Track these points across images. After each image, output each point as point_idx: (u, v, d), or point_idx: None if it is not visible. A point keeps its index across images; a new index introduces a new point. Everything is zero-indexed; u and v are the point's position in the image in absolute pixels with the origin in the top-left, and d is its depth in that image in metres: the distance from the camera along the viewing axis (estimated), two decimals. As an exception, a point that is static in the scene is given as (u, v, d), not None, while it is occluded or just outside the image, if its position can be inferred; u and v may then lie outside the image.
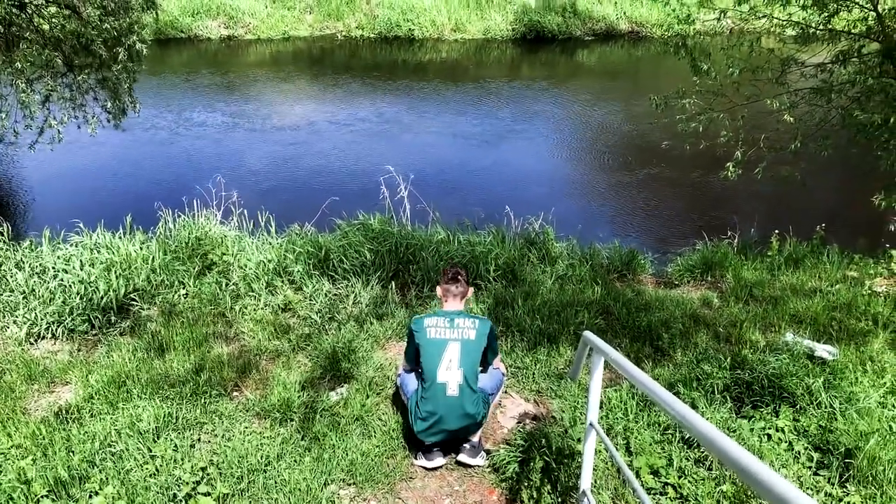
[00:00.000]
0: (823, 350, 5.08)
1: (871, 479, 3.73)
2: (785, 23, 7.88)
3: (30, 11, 8.83)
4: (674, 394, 2.51)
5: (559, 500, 3.73)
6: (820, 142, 7.47)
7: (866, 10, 7.29)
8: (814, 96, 7.37)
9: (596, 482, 3.79)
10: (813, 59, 7.64)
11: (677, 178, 11.86)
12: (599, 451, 3.93)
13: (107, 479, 3.87)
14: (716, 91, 7.64)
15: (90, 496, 3.72)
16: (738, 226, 8.30)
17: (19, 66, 7.94)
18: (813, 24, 7.60)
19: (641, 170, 12.37)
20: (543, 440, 4.11)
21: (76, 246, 6.78)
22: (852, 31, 7.47)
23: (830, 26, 7.54)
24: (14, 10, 8.52)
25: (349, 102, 16.94)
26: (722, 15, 7.82)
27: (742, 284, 6.64)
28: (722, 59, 7.66)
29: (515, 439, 4.30)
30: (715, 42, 8.52)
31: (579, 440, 4.00)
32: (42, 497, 3.71)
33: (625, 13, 23.01)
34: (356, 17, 23.33)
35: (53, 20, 8.87)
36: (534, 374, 5.10)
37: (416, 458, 4.21)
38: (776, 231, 7.74)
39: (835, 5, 7.50)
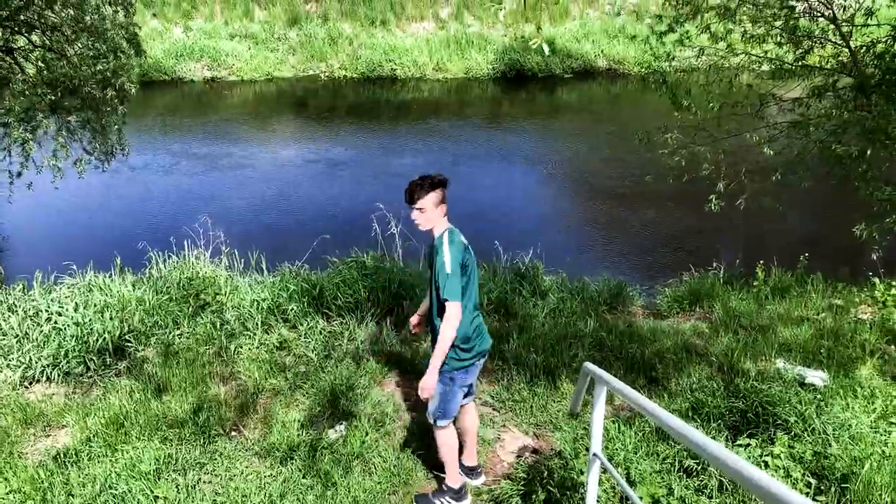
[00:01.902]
0: (814, 377, 5.19)
1: (867, 503, 3.80)
2: (762, 59, 8.14)
3: (16, 56, 8.92)
4: None
5: (564, 532, 3.77)
6: (799, 174, 7.67)
7: (839, 47, 7.55)
8: (792, 130, 7.60)
9: (599, 512, 3.83)
10: (790, 94, 7.88)
11: (661, 211, 12.06)
12: (601, 482, 3.97)
13: (109, 522, 3.85)
14: (696, 126, 7.84)
15: (93, 540, 3.70)
16: (724, 257, 8.46)
17: (14, 107, 7.99)
18: (788, 61, 7.86)
19: (625, 203, 12.57)
20: (545, 473, 4.15)
21: (69, 288, 6.77)
22: (826, 66, 7.72)
23: (805, 62, 7.80)
24: (0, 55, 8.61)
25: (334, 142, 17.10)
26: (701, 52, 8.08)
27: (731, 314, 6.76)
28: (702, 95, 7.87)
29: (517, 473, 4.33)
30: (693, 78, 8.77)
31: (581, 472, 4.04)
32: (44, 542, 3.68)
33: (602, 51, 23.53)
34: (339, 57, 23.66)
35: (41, 63, 8.94)
36: (532, 407, 5.15)
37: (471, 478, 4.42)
38: (761, 261, 7.90)
39: (809, 42, 7.78)
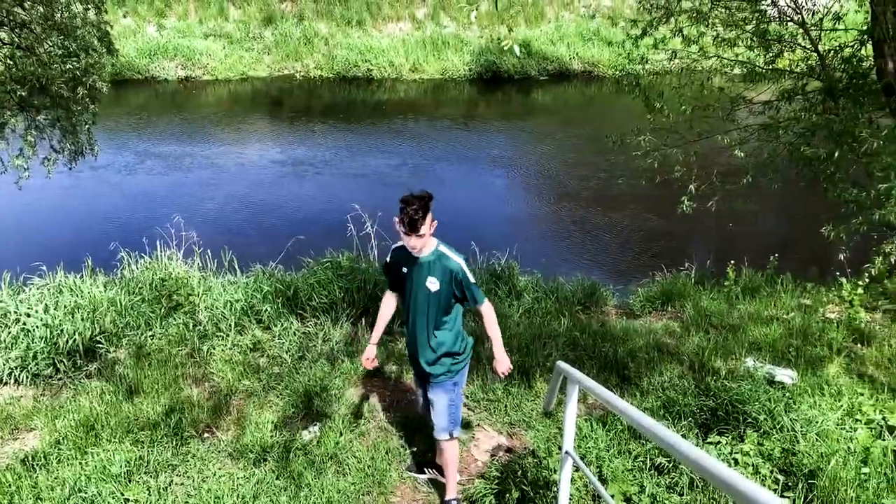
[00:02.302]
0: (783, 375, 5.27)
1: (833, 498, 3.87)
2: (733, 62, 8.26)
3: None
4: None
5: (537, 529, 3.79)
6: (770, 175, 7.78)
7: (808, 51, 7.68)
8: (762, 132, 7.72)
9: (572, 510, 3.86)
10: (761, 97, 8.00)
11: (634, 212, 12.17)
12: (574, 480, 4.00)
13: (79, 525, 3.81)
14: (669, 128, 7.93)
15: (62, 543, 3.65)
16: (696, 257, 8.55)
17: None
18: (759, 64, 7.98)
19: (599, 204, 12.66)
20: (519, 471, 4.17)
21: (38, 289, 6.67)
22: (795, 69, 7.85)
23: (775, 66, 7.92)
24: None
25: (309, 142, 17.02)
26: (674, 55, 8.17)
27: (702, 314, 6.84)
28: (674, 98, 7.96)
29: (490, 472, 4.35)
30: (666, 81, 8.86)
31: (554, 470, 4.07)
32: (12, 546, 3.63)
33: (577, 54, 23.67)
34: (314, 57, 23.55)
35: (10, 61, 8.78)
36: (506, 406, 5.17)
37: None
38: (732, 262, 8.00)
39: (779, 46, 7.91)
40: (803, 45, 7.77)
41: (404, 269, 3.84)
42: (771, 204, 11.11)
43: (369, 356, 4.12)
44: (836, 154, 6.88)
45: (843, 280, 6.88)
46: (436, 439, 4.12)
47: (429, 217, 3.62)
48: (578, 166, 14.98)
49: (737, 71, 8.35)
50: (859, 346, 5.98)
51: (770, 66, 7.88)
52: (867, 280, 6.74)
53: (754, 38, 7.79)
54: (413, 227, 3.55)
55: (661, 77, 9.22)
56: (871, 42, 7.19)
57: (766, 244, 9.89)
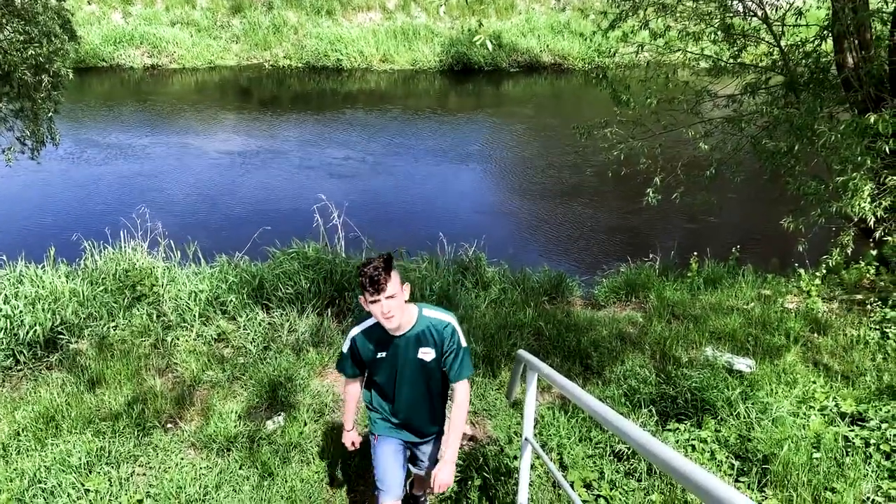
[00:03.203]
0: (741, 363, 5.39)
1: (786, 482, 3.98)
2: (698, 56, 8.37)
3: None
4: None
5: (497, 516, 3.85)
6: (733, 168, 7.91)
7: (771, 46, 7.81)
8: (726, 125, 7.84)
9: (532, 497, 3.92)
10: (725, 91, 8.11)
11: (601, 204, 12.30)
12: (535, 467, 4.06)
13: (38, 516, 3.78)
14: (635, 121, 8.02)
15: (21, 535, 3.62)
16: (660, 248, 8.67)
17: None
18: (724, 58, 8.10)
19: (567, 196, 12.77)
20: (481, 459, 4.22)
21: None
22: (759, 64, 7.98)
23: (740, 60, 8.04)
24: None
25: (276, 132, 16.90)
26: (640, 48, 8.25)
27: (665, 304, 6.95)
28: (641, 91, 8.04)
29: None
30: (634, 74, 8.95)
31: (516, 458, 4.13)
32: (-31, 538, 3.59)
33: (548, 46, 23.76)
34: (283, 46, 23.35)
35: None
36: (470, 396, 5.21)
37: None
38: (695, 253, 8.14)
39: (743, 41, 8.03)
40: (766, 39, 7.90)
41: (380, 355, 3.24)
42: (735, 196, 11.29)
43: (354, 441, 3.65)
44: (796, 147, 7.00)
45: (802, 271, 7.03)
46: (421, 478, 3.81)
47: (396, 277, 3.01)
48: (547, 158, 15.07)
49: (704, 65, 8.45)
50: (816, 335, 6.12)
51: (735, 61, 8.00)
52: (825, 271, 6.90)
53: (718, 33, 7.90)
54: (376, 286, 2.91)
55: (630, 70, 9.30)
56: (831, 37, 7.36)
57: (729, 236, 10.04)
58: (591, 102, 14.04)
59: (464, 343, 3.30)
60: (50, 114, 9.24)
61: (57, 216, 11.53)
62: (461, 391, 3.33)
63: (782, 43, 7.73)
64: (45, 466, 4.25)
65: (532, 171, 14.49)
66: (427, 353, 3.23)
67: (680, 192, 8.13)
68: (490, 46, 3.58)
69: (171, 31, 23.17)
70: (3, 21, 8.39)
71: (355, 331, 3.27)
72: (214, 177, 13.62)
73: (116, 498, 3.95)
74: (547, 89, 22.39)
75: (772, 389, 4.95)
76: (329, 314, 6.58)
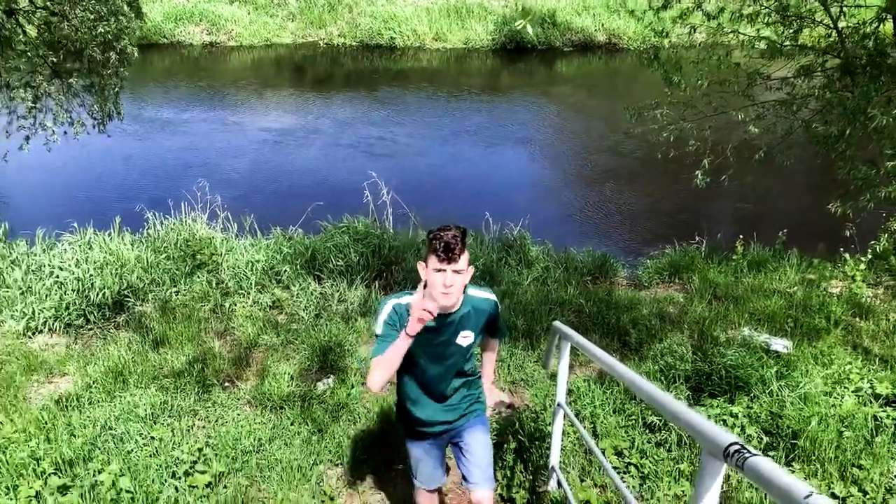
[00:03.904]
0: (779, 344, 5.47)
1: (814, 457, 4.09)
2: (752, 38, 8.30)
3: (18, 17, 9.03)
4: None
5: (530, 477, 4.06)
6: (784, 152, 7.87)
7: (829, 28, 7.72)
8: (778, 109, 7.79)
9: (564, 461, 4.12)
10: (778, 74, 8.04)
11: (649, 186, 12.29)
12: (568, 433, 4.26)
13: (109, 459, 4.13)
14: (686, 102, 8.02)
15: (95, 474, 3.97)
16: (706, 231, 8.69)
17: (18, 67, 8.13)
18: (779, 40, 8.01)
19: (615, 177, 12.78)
20: (517, 424, 4.43)
21: (70, 245, 7.01)
22: (815, 46, 7.88)
23: (795, 42, 7.95)
24: (3, 16, 8.72)
25: (330, 109, 17.22)
26: (693, 30, 8.23)
27: (707, 285, 7.02)
28: (693, 72, 8.03)
29: (490, 426, 4.61)
30: (688, 55, 8.92)
31: (550, 423, 4.32)
32: (50, 474, 3.96)
33: (602, 25, 23.50)
34: (338, 25, 23.63)
35: (43, 26, 9.06)
36: (509, 366, 5.42)
37: None
38: (741, 236, 8.14)
39: (798, 23, 7.94)
40: (823, 22, 7.80)
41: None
42: (785, 180, 11.17)
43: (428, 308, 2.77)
44: (848, 132, 6.95)
45: (847, 256, 7.01)
46: (475, 497, 3.24)
47: (467, 254, 2.78)
48: (597, 139, 15.06)
49: (761, 45, 8.36)
50: (858, 319, 6.14)
51: (791, 43, 7.91)
52: (871, 256, 6.87)
53: (773, 14, 7.83)
54: (449, 253, 2.65)
55: (685, 50, 9.25)
56: (890, 20, 7.24)
57: (777, 220, 9.97)
58: (644, 83, 13.89)
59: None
60: (116, 90, 9.69)
61: (121, 187, 12.07)
62: (496, 345, 3.41)
63: (839, 25, 7.63)
64: (114, 416, 4.61)
65: (581, 151, 14.52)
66: (466, 338, 2.99)
67: (728, 174, 8.13)
68: (531, 31, 3.61)
69: (229, 9, 23.66)
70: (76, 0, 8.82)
71: (396, 300, 2.95)
72: (269, 152, 14.02)
73: (178, 446, 4.28)
74: (600, 69, 22.21)
75: (807, 370, 5.03)
76: (376, 286, 6.86)
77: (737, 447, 1.46)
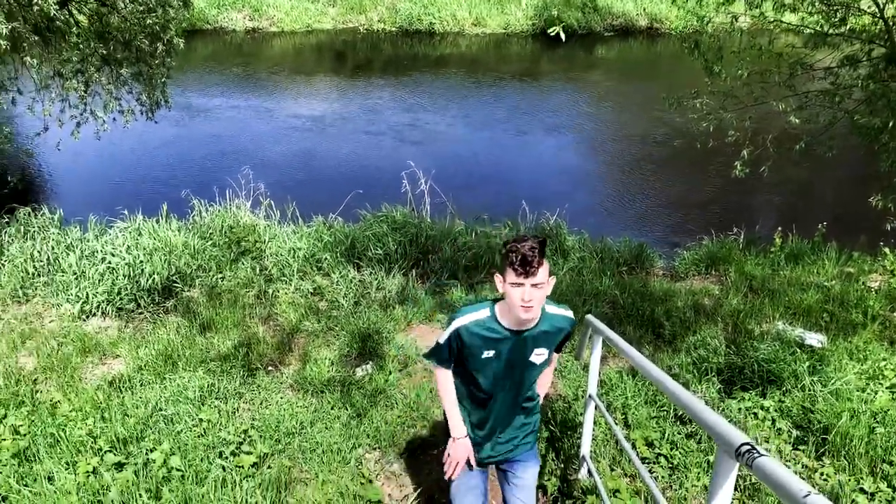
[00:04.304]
0: (813, 338, 5.49)
1: (844, 453, 4.14)
2: (796, 28, 8.19)
3: (71, 8, 9.33)
4: (671, 375, 2.92)
5: (562, 465, 4.18)
6: (826, 143, 7.79)
7: (875, 18, 7.59)
8: (821, 98, 7.70)
9: (595, 451, 4.23)
10: (822, 63, 7.94)
11: (687, 176, 12.22)
12: (599, 423, 4.36)
13: (160, 438, 4.36)
14: (726, 92, 7.97)
15: (147, 452, 4.21)
16: (744, 223, 8.66)
17: (70, 58, 8.41)
18: (825, 28, 7.89)
19: (653, 167, 12.73)
20: (549, 414, 4.56)
21: (120, 231, 7.30)
22: (861, 34, 7.76)
23: (841, 30, 7.83)
24: (55, 6, 9.02)
25: (370, 96, 17.39)
26: (734, 20, 8.16)
27: (743, 278, 7.03)
28: (734, 61, 7.97)
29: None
30: (730, 43, 8.84)
31: (581, 413, 4.44)
32: (106, 452, 4.21)
33: (644, 9, 23.24)
34: (378, 10, 23.75)
35: (94, 16, 9.34)
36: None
37: None
38: (779, 228, 8.11)
39: (842, 12, 7.82)
40: (869, 11, 7.67)
41: (486, 354, 2.79)
42: (826, 172, 11.02)
43: (469, 453, 2.97)
44: (891, 123, 6.87)
45: (887, 250, 6.95)
46: None
47: (547, 265, 2.62)
48: (635, 127, 14.97)
49: (806, 33, 8.24)
50: (896, 314, 6.11)
51: (837, 31, 7.78)
52: (909, 250, 6.80)
53: (815, 3, 7.72)
54: (527, 266, 2.51)
55: (728, 36, 9.16)
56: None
57: (817, 212, 9.87)
58: (685, 69, 13.72)
59: None
60: (163, 79, 9.96)
61: (166, 173, 12.40)
62: (555, 356, 3.09)
63: (886, 13, 7.50)
64: (164, 398, 4.85)
65: (619, 140, 14.46)
66: (540, 355, 2.85)
67: (768, 165, 8.07)
68: (563, 38, 3.62)
69: (271, -5, 23.97)
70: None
71: (463, 321, 2.77)
72: (309, 139, 14.25)
73: (225, 427, 4.49)
74: (641, 55, 22.00)
75: (841, 365, 5.05)
76: (413, 275, 7.02)
77: (748, 447, 1.56)
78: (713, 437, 1.79)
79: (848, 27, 7.79)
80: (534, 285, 2.54)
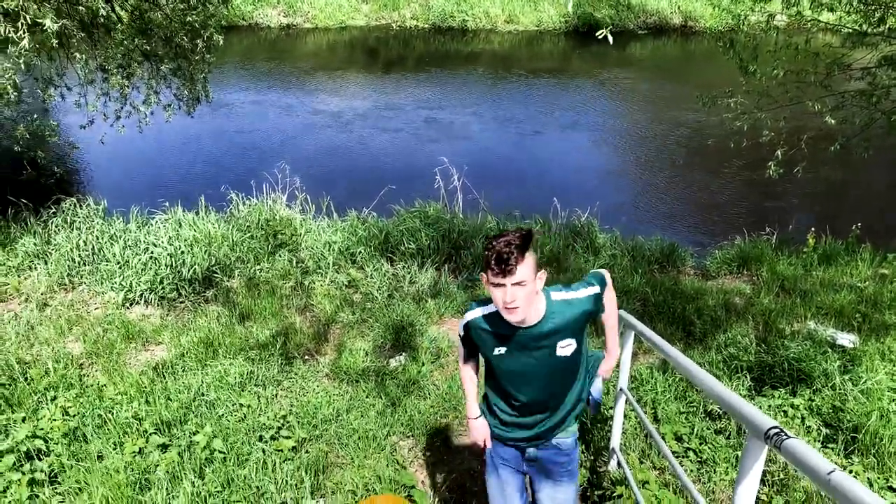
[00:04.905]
0: (845, 339, 5.50)
1: (874, 451, 4.17)
2: (833, 26, 8.15)
3: (114, 4, 9.59)
4: None
5: (592, 458, 4.27)
6: (862, 144, 7.74)
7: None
8: (858, 99, 7.65)
9: (625, 444, 4.31)
10: (859, 63, 7.89)
11: (721, 176, 12.16)
12: (629, 417, 4.44)
13: (202, 422, 4.53)
14: (761, 91, 7.95)
15: (190, 435, 4.38)
16: (778, 223, 8.64)
17: (115, 54, 8.65)
18: (863, 27, 7.84)
19: (686, 166, 12.70)
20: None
21: (162, 223, 7.51)
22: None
23: (880, 29, 7.78)
24: (103, 2, 9.28)
25: (402, 93, 17.53)
26: (770, 18, 8.14)
27: (775, 278, 7.03)
28: (770, 60, 7.95)
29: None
30: (766, 41, 8.80)
31: (611, 407, 4.52)
32: (151, 433, 4.39)
33: (679, 7, 23.10)
34: (411, 7, 23.90)
35: (135, 11, 9.59)
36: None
37: None
38: (812, 229, 8.08)
39: (881, 12, 7.76)
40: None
41: (497, 351, 2.69)
42: (861, 173, 10.91)
43: (485, 435, 2.98)
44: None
45: (922, 251, 6.91)
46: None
47: (531, 259, 2.44)
48: (668, 126, 14.92)
49: (846, 29, 8.19)
50: (930, 316, 6.08)
51: (873, 30, 7.73)
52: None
53: (853, 2, 7.67)
54: (503, 265, 2.37)
55: (763, 35, 9.12)
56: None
57: (852, 213, 9.78)
58: (719, 67, 13.61)
59: (598, 288, 2.83)
60: (204, 75, 10.19)
61: (203, 167, 12.66)
62: (604, 316, 2.97)
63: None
64: (206, 383, 5.02)
65: (652, 138, 14.43)
66: (567, 346, 2.67)
67: (802, 166, 8.05)
68: (611, 40, 3.64)
69: (305, -9, 24.25)
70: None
71: (473, 315, 2.72)
72: (344, 136, 14.43)
73: (264, 413, 4.65)
74: (675, 53, 21.87)
75: (872, 365, 5.06)
76: (446, 269, 7.13)
77: (776, 430, 1.65)
78: (742, 422, 1.87)
79: (887, 27, 7.75)
80: (516, 283, 2.38)
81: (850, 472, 4.10)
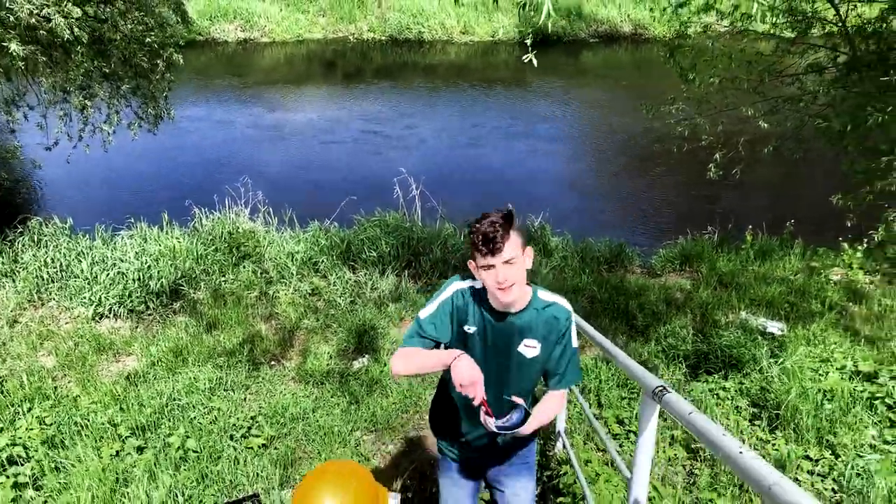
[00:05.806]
0: (774, 327, 5.97)
1: (794, 426, 4.61)
2: (764, 35, 8.69)
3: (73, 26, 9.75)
4: (640, 362, 3.38)
5: (540, 441, 4.63)
6: (793, 146, 8.27)
7: (838, 27, 8.08)
8: (789, 104, 8.19)
9: (571, 428, 4.69)
10: (792, 70, 8.42)
11: (666, 179, 12.70)
12: (575, 404, 4.82)
13: (176, 424, 4.80)
14: (700, 98, 8.45)
15: (164, 437, 4.64)
16: (718, 222, 9.15)
17: (76, 76, 8.81)
18: (790, 36, 8.39)
19: (633, 171, 13.23)
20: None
21: (127, 238, 7.72)
22: (825, 45, 8.26)
23: (806, 40, 8.33)
24: (67, 29, 9.45)
25: (360, 105, 17.84)
26: (706, 28, 8.65)
27: (714, 273, 7.51)
28: (707, 69, 8.44)
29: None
30: (706, 50, 9.29)
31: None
32: (127, 437, 4.64)
33: (628, 16, 23.80)
34: (368, 20, 24.22)
35: (95, 34, 9.77)
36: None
37: None
38: (751, 227, 8.59)
39: (806, 22, 8.32)
40: (831, 20, 8.16)
41: (468, 328, 2.55)
42: (797, 173, 11.52)
43: (478, 377, 2.32)
44: (849, 127, 7.36)
45: (845, 245, 7.44)
46: None
47: (517, 238, 2.38)
48: (618, 132, 15.47)
49: (789, 33, 8.69)
50: (852, 304, 6.59)
51: (801, 38, 8.26)
52: (866, 245, 7.28)
53: (779, 16, 8.20)
54: (491, 244, 2.30)
55: (708, 43, 9.60)
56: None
57: (788, 211, 10.34)
58: (666, 74, 14.23)
59: (575, 343, 2.64)
60: (165, 94, 10.40)
61: (164, 183, 12.79)
62: (557, 397, 2.68)
63: (847, 22, 7.98)
64: (177, 390, 5.28)
65: (603, 145, 14.95)
66: (531, 348, 2.55)
67: (740, 167, 8.55)
68: (535, 63, 3.45)
69: (262, 6, 24.35)
70: (125, 9, 9.52)
71: (461, 283, 2.58)
72: (304, 149, 14.68)
73: (235, 414, 4.93)
74: (625, 60, 22.53)
75: (797, 350, 5.53)
76: (406, 275, 7.47)
77: (660, 388, 2.01)
78: (638, 382, 2.24)
79: (814, 35, 8.30)
80: (506, 262, 2.31)
81: (774, 445, 4.53)
